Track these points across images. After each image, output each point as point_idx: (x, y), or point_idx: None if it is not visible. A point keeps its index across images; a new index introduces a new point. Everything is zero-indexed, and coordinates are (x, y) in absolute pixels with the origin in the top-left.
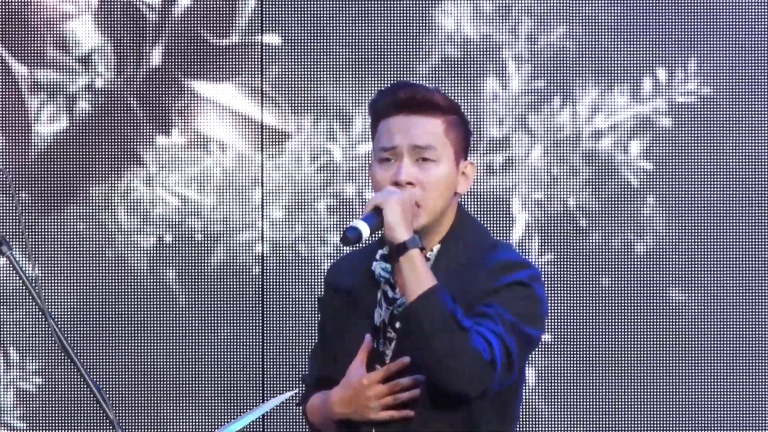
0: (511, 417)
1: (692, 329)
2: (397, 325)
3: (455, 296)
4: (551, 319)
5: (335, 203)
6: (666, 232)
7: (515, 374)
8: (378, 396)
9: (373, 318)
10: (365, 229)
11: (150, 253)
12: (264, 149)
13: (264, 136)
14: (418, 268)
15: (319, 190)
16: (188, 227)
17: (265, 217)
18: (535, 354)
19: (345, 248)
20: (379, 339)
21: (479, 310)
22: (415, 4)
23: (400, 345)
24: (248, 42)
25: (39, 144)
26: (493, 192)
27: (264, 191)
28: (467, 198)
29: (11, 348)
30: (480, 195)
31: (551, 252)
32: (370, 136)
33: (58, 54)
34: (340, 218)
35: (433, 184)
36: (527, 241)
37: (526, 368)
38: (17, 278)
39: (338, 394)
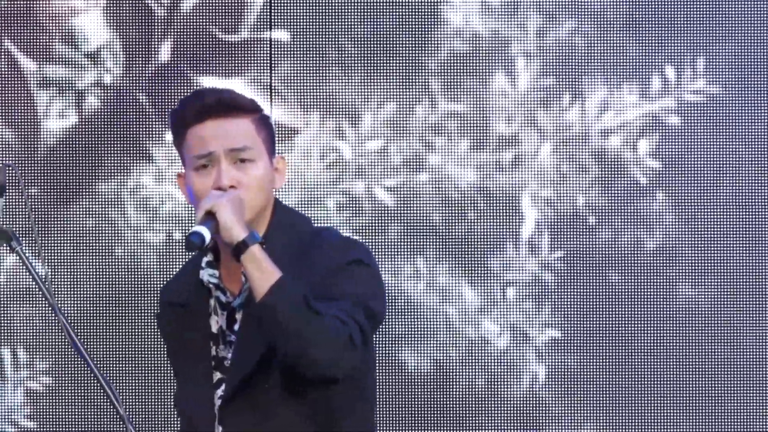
0: (367, 398)
1: (703, 323)
2: (236, 327)
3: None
4: (561, 316)
5: (344, 200)
6: (674, 230)
7: (367, 349)
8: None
9: (210, 327)
10: (207, 234)
11: (159, 249)
12: None
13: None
14: (262, 263)
15: (327, 187)
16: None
17: None
18: (548, 350)
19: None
20: (218, 345)
21: (322, 294)
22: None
23: (238, 347)
24: (257, 38)
25: (48, 140)
26: (502, 189)
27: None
28: (478, 194)
29: (20, 345)
30: (489, 192)
31: (561, 249)
32: (372, 133)
33: (66, 50)
34: (349, 215)
35: (254, 184)
36: (537, 238)
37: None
38: (27, 274)
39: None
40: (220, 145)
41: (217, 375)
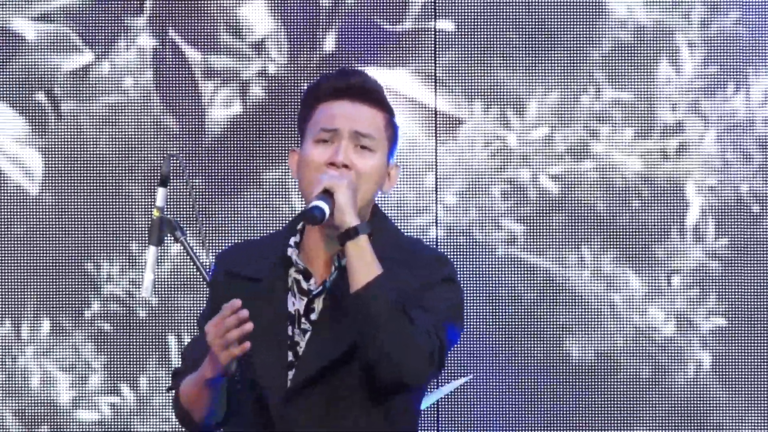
0: (413, 411)
1: None
2: (312, 316)
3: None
4: (727, 303)
5: (509, 188)
6: None
7: (442, 366)
8: (214, 339)
9: (286, 305)
10: (327, 209)
11: None
12: (437, 135)
13: (437, 122)
14: (366, 254)
15: (493, 175)
16: None
17: (439, 201)
18: (713, 339)
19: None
20: (294, 328)
21: (418, 304)
22: None
23: (316, 336)
24: (422, 28)
25: (213, 129)
26: (667, 177)
27: (438, 176)
28: (643, 182)
29: (186, 333)
30: (654, 179)
31: (726, 236)
32: (538, 121)
33: (231, 40)
34: (514, 203)
35: (368, 172)
36: (702, 225)
37: None
38: (191, 264)
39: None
40: (348, 124)
41: (290, 356)
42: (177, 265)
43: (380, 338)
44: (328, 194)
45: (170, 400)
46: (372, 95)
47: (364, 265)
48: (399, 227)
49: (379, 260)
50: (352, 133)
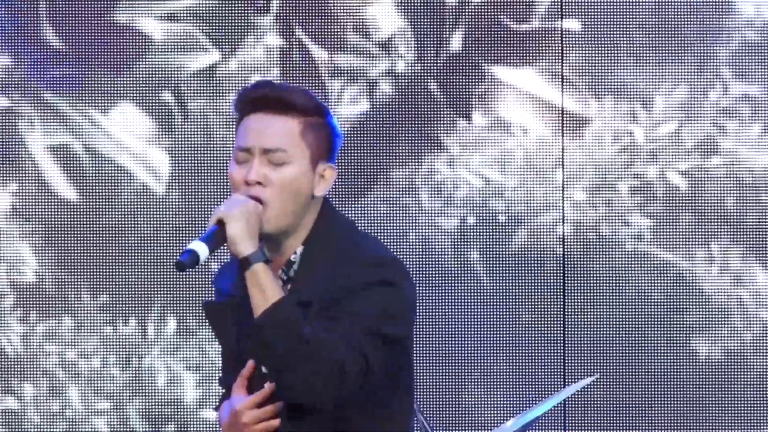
0: (392, 412)
1: None
2: None
3: (319, 299)
4: None
5: (637, 184)
6: None
7: (376, 376)
8: (251, 422)
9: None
10: (203, 250)
11: (453, 235)
12: (564, 133)
13: (564, 121)
14: (261, 283)
15: (620, 171)
16: (490, 209)
17: (566, 198)
18: None
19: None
20: None
21: (334, 314)
22: None
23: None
24: (548, 27)
25: (341, 127)
26: None
27: (565, 173)
28: (761, 179)
29: None
30: None
31: None
32: (669, 116)
33: (358, 39)
34: (642, 199)
35: (280, 184)
36: None
37: (412, 365)
38: None
39: (224, 419)
40: (257, 140)
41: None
42: None
43: (275, 364)
44: (222, 224)
45: None
46: (280, 104)
47: (259, 293)
48: (355, 223)
49: (315, 268)
50: (261, 150)
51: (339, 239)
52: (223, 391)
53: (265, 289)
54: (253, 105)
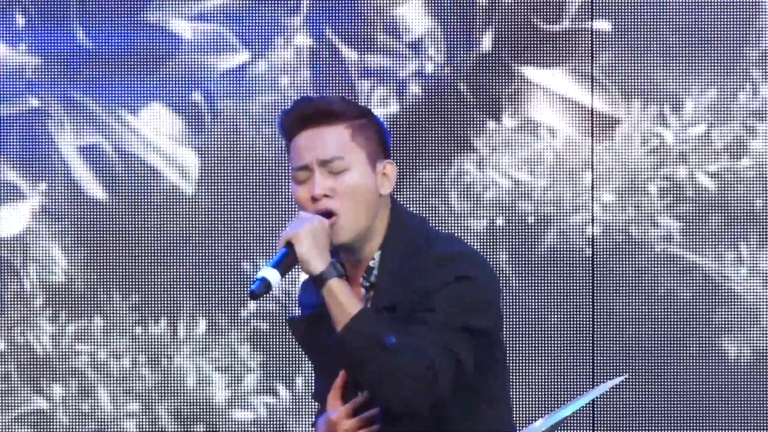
0: (489, 408)
1: None
2: None
3: (397, 303)
4: None
5: (667, 185)
6: None
7: (469, 373)
8: (350, 431)
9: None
10: (274, 276)
11: (482, 236)
12: (594, 134)
13: (594, 122)
14: (338, 297)
15: (650, 173)
16: (519, 210)
17: (595, 199)
18: None
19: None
20: None
21: (419, 317)
22: None
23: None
24: (579, 28)
25: None
26: None
27: (594, 174)
28: None
29: None
30: None
31: None
32: (698, 118)
33: (388, 39)
34: (671, 200)
35: (347, 191)
36: None
37: (505, 357)
38: None
39: (320, 429)
40: (312, 155)
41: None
42: None
43: (364, 377)
44: (291, 245)
45: None
46: (323, 116)
47: (337, 309)
48: (426, 219)
49: (395, 271)
50: (319, 162)
51: (412, 239)
52: (318, 406)
53: (341, 303)
54: (297, 125)
